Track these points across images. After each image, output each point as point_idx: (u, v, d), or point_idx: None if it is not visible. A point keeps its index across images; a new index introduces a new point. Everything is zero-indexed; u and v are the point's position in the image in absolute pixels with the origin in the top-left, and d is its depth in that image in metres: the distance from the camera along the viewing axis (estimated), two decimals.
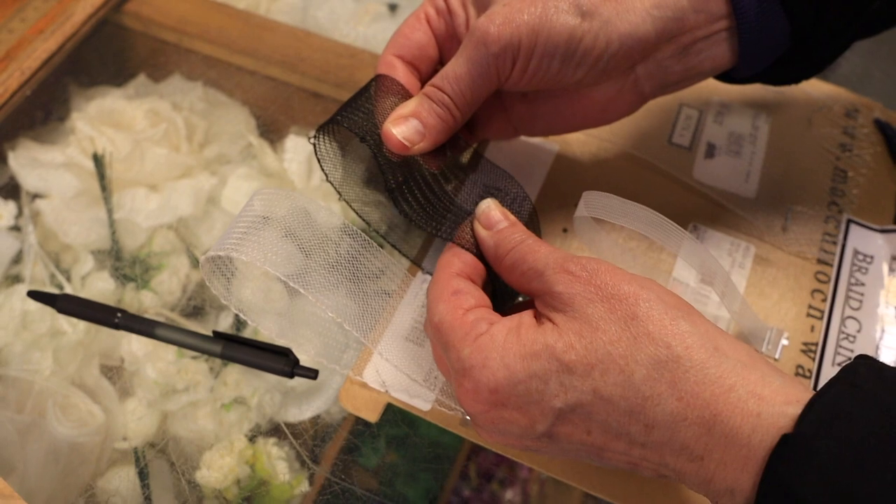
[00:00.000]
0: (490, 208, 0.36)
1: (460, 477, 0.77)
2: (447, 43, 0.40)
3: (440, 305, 0.33)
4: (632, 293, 0.30)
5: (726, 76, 0.39)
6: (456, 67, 0.36)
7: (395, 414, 0.48)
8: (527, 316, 0.32)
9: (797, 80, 0.40)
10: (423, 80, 0.40)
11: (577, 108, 0.39)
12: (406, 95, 0.38)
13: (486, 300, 0.34)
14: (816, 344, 0.40)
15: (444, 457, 0.58)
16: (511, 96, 0.40)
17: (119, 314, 0.40)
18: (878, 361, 0.29)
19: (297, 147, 0.52)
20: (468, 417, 0.37)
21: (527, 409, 0.30)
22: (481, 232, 0.35)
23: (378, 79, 0.39)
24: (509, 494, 0.79)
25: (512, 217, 0.35)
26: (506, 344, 0.31)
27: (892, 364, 0.39)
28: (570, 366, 0.29)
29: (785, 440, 0.27)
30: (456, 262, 0.35)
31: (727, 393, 0.28)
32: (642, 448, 0.30)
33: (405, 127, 0.36)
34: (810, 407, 0.27)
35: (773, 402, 0.28)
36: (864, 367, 0.28)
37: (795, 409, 0.27)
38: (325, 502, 0.45)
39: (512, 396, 0.30)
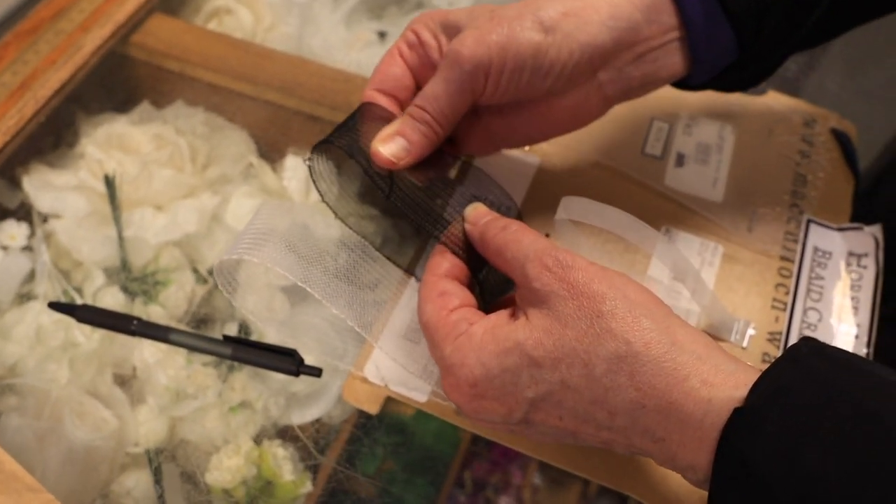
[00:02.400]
0: (477, 207, 0.39)
1: (455, 484, 0.79)
2: (422, 71, 0.43)
3: (427, 306, 0.37)
4: (600, 292, 0.33)
5: (682, 83, 0.43)
6: (434, 87, 0.40)
7: (392, 422, 0.51)
8: (503, 315, 0.35)
9: (745, 87, 0.44)
10: (404, 108, 0.43)
11: (550, 116, 0.42)
12: (389, 118, 0.42)
13: (470, 299, 0.37)
14: (781, 333, 0.43)
15: (440, 465, 0.60)
16: (489, 112, 0.43)
17: (135, 321, 0.43)
18: (819, 341, 0.32)
19: (296, 167, 0.55)
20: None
21: (503, 399, 0.34)
22: (468, 227, 0.39)
23: (363, 106, 0.43)
24: (503, 501, 0.81)
25: (496, 214, 0.39)
26: (482, 343, 0.34)
27: (851, 347, 0.43)
28: (538, 361, 0.33)
29: (736, 413, 0.30)
30: (444, 263, 0.38)
31: (681, 383, 0.31)
32: (609, 431, 0.33)
33: (392, 144, 0.40)
34: (758, 383, 0.30)
35: (723, 387, 0.31)
36: (806, 347, 0.31)
37: (743, 392, 0.30)
38: (336, 485, 0.48)
39: (489, 389, 0.34)
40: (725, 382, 0.31)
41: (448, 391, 0.35)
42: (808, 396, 0.29)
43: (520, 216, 0.44)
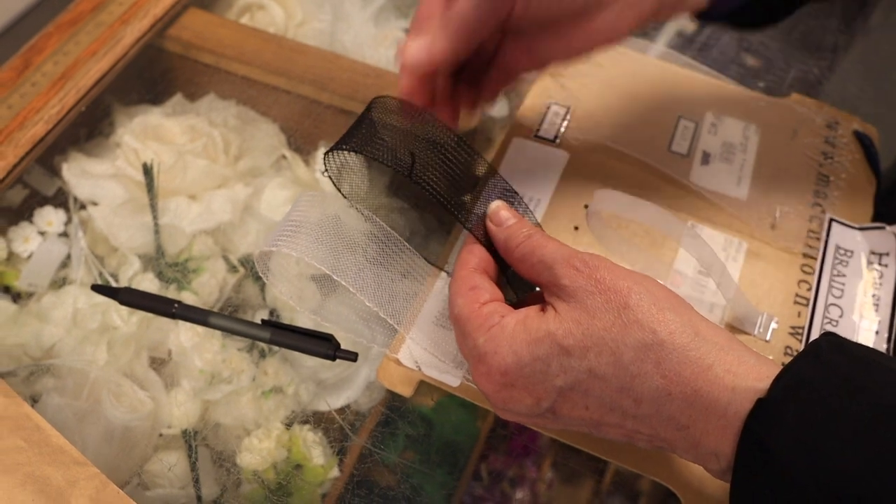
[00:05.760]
0: (499, 207, 0.40)
1: (473, 477, 0.80)
2: None
3: (459, 299, 0.38)
4: (625, 287, 0.34)
5: (704, 15, 0.44)
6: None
7: (413, 413, 0.52)
8: (533, 309, 0.37)
9: (759, 27, 0.45)
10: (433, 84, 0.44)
11: (589, 31, 0.42)
12: (402, 108, 0.43)
13: (498, 294, 0.39)
14: (803, 328, 0.44)
15: (459, 457, 0.61)
16: (532, 27, 0.43)
17: (176, 304, 0.44)
18: (840, 337, 0.33)
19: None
20: None
21: (533, 388, 0.35)
22: (492, 227, 0.40)
23: (374, 100, 0.44)
24: (519, 494, 0.83)
25: (518, 215, 0.40)
26: (514, 333, 0.35)
27: (871, 344, 0.44)
28: (568, 349, 0.34)
29: (759, 404, 0.31)
30: (472, 258, 0.40)
31: (706, 371, 0.32)
32: (634, 419, 0.34)
33: (419, 40, 0.41)
34: (780, 376, 0.31)
35: (746, 377, 0.32)
36: (827, 342, 0.32)
37: (765, 384, 0.31)
38: (361, 472, 0.49)
39: (520, 378, 0.35)
40: (748, 373, 0.32)
41: (479, 380, 0.37)
42: (827, 390, 0.30)
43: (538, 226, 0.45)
